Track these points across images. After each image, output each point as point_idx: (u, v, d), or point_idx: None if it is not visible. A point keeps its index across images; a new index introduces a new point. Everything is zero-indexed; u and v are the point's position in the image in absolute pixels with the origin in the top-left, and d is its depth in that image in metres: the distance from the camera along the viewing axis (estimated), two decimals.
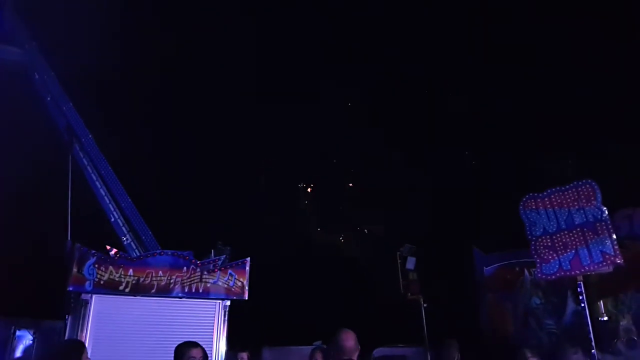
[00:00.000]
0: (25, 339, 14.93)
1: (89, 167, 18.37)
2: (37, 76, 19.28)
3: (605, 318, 15.56)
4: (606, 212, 14.65)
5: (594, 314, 15.45)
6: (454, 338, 7.21)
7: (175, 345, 7.73)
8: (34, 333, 15.06)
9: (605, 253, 14.23)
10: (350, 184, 34.70)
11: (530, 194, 15.88)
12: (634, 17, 23.18)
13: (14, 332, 15.08)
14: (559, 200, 15.15)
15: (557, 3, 26.98)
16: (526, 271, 17.25)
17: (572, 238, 14.62)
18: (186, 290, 15.22)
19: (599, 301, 15.72)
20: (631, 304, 15.53)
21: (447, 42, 31.10)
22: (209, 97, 29.19)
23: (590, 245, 14.32)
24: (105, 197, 17.99)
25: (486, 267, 18.76)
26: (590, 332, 13.97)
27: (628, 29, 23.40)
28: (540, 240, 15.34)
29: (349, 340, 5.83)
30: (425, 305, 19.25)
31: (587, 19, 25.24)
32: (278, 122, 32.14)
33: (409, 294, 19.62)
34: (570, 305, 16.13)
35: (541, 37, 27.55)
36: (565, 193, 15.12)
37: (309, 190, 34.42)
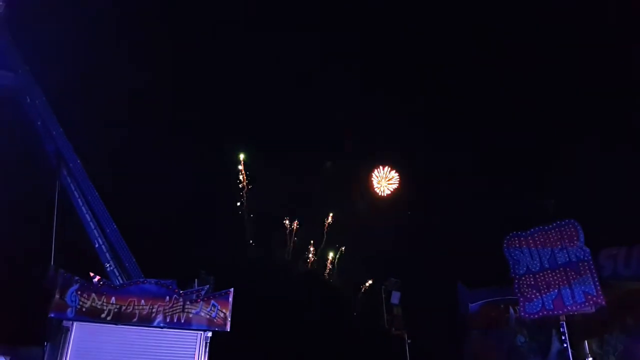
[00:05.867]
0: None
1: (75, 192, 18.37)
2: (28, 100, 19.36)
3: (591, 359, 15.59)
4: (589, 252, 14.86)
5: (579, 355, 15.53)
6: None
7: None
8: (10, 359, 14.80)
9: (588, 293, 14.42)
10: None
11: (514, 233, 16.09)
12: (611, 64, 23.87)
13: None
14: (542, 240, 15.37)
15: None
16: (511, 309, 17.25)
17: (555, 277, 14.80)
18: (168, 320, 15.06)
19: (584, 341, 15.77)
20: (617, 345, 15.56)
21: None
22: (199, 121, 29.35)
23: (573, 285, 14.50)
24: (91, 223, 17.97)
25: (471, 303, 18.74)
26: None
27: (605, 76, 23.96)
28: (523, 278, 15.50)
29: None
30: (409, 341, 19.19)
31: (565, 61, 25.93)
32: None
33: (393, 329, 19.57)
34: (555, 345, 16.11)
35: (520, 76, 28.06)
36: (549, 232, 15.34)
37: (294, 225, 34.38)
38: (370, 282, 23.38)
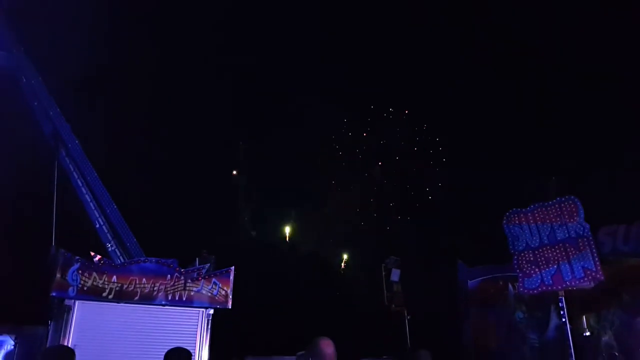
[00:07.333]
0: (6, 344, 14.77)
1: (74, 173, 18.29)
2: (24, 80, 19.17)
3: (588, 333, 15.70)
4: (588, 228, 14.87)
5: (577, 329, 15.63)
6: (427, 349, 7.19)
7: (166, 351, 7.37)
8: (16, 338, 14.89)
9: (587, 269, 14.44)
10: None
11: (514, 209, 16.09)
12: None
13: None
14: (541, 216, 15.37)
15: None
16: (510, 285, 17.34)
17: (554, 253, 14.81)
18: (170, 298, 15.16)
19: (582, 316, 15.88)
20: (613, 320, 15.69)
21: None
22: (197, 104, 29.23)
23: (572, 261, 14.53)
24: (91, 203, 17.93)
25: (470, 280, 18.83)
26: (570, 347, 14.15)
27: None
28: (522, 254, 15.52)
29: (329, 346, 5.78)
30: (409, 317, 19.33)
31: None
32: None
33: (393, 306, 19.69)
34: (554, 320, 16.24)
35: (530, 61, 28.00)
36: (549, 209, 15.34)
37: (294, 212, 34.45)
38: (372, 260, 23.41)
